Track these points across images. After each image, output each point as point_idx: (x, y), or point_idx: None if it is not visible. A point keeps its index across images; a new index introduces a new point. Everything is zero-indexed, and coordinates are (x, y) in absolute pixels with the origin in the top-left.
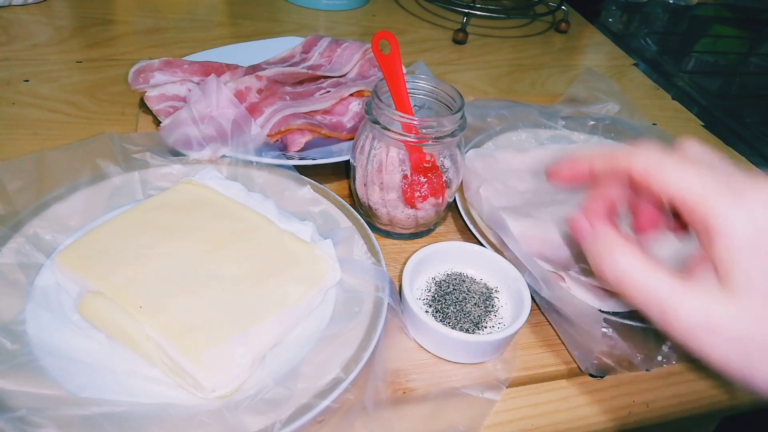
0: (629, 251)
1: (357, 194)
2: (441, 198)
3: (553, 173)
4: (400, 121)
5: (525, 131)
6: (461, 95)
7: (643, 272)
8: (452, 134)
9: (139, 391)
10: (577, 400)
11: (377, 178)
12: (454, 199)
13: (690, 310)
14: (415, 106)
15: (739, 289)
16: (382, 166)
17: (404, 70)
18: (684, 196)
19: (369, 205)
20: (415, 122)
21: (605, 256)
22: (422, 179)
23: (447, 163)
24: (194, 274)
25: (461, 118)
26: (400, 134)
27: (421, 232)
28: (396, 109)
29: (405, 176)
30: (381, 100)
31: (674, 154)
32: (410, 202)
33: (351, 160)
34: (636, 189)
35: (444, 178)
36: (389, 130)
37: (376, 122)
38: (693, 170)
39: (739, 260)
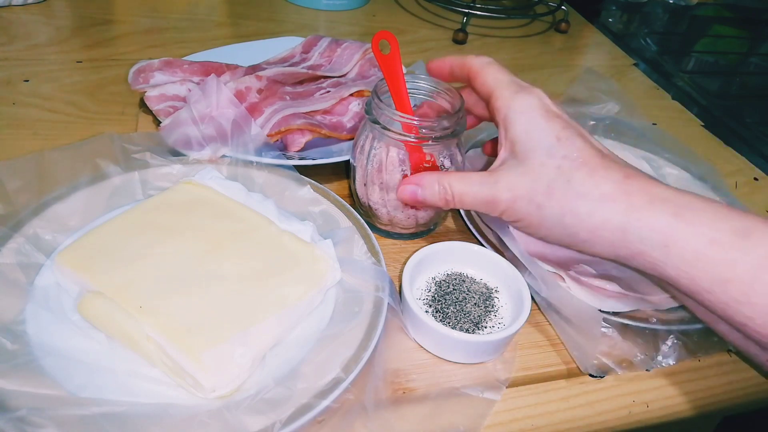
0: (447, 175)
1: (357, 194)
2: None
3: (428, 67)
4: (400, 121)
5: None
6: (461, 95)
7: (464, 183)
8: (452, 134)
9: (139, 391)
10: (577, 401)
11: (377, 178)
12: None
13: (501, 191)
14: (414, 106)
15: (524, 158)
16: (382, 166)
17: (404, 70)
18: (493, 88)
19: (369, 205)
20: (415, 122)
21: (439, 190)
22: None
23: (447, 163)
24: (194, 274)
25: (461, 117)
26: (400, 134)
27: (420, 232)
28: (396, 110)
29: (405, 176)
30: (381, 100)
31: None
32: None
33: (351, 160)
34: (471, 85)
35: None
36: (389, 130)
37: (376, 122)
38: (504, 74)
39: (521, 136)
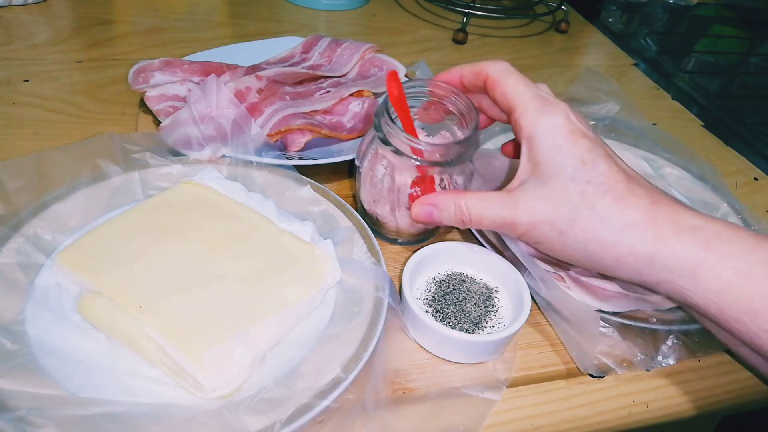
0: (463, 196)
1: (364, 206)
2: None
3: (434, 79)
4: (414, 147)
5: None
6: (476, 108)
7: (482, 205)
8: (467, 156)
9: (139, 391)
10: (577, 401)
11: (388, 197)
12: None
13: (521, 214)
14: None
15: (547, 180)
16: (394, 187)
17: (406, 70)
18: (517, 103)
19: (376, 218)
20: (427, 148)
21: (455, 211)
22: None
23: (460, 180)
24: (194, 274)
25: (476, 137)
26: (414, 158)
27: (426, 236)
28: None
29: (417, 195)
30: (393, 121)
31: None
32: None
33: (356, 172)
34: (490, 95)
35: None
36: (403, 154)
37: (387, 143)
38: (525, 85)
39: (545, 158)
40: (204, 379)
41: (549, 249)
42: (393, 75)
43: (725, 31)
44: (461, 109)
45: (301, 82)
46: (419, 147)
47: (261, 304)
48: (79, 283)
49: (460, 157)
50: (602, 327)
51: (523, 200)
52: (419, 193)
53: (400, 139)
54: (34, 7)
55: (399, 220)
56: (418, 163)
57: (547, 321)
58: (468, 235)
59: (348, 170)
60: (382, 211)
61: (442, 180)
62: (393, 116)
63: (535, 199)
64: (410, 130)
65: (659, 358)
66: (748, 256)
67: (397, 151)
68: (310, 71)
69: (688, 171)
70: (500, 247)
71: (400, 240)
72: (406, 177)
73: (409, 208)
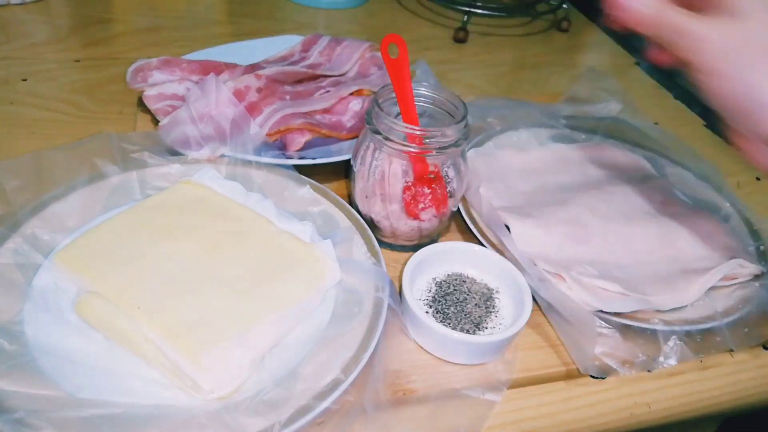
0: None
1: (358, 207)
2: (444, 208)
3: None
4: (402, 131)
5: (526, 131)
6: (464, 103)
7: (660, 7)
8: (456, 144)
9: (137, 392)
10: (579, 402)
11: (378, 189)
12: None
13: (712, 39)
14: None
15: (744, 16)
16: (384, 177)
17: None
18: None
19: (371, 217)
20: (418, 132)
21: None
22: (426, 190)
23: (451, 172)
24: (193, 274)
25: (465, 126)
26: (403, 144)
27: (424, 244)
28: (402, 116)
29: (407, 187)
30: (381, 109)
31: None
32: (412, 214)
33: (351, 171)
34: None
35: (447, 188)
36: (391, 140)
37: (376, 132)
38: None
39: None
40: (202, 381)
41: (718, 84)
42: (390, 39)
43: None
44: (448, 104)
45: (300, 81)
46: (408, 131)
47: (260, 305)
48: (77, 283)
49: (450, 144)
50: (603, 328)
51: (717, 23)
52: (411, 183)
53: (388, 124)
54: (33, 6)
55: (391, 217)
56: (406, 149)
57: (548, 322)
58: (469, 236)
59: (347, 170)
60: (375, 207)
61: (434, 167)
62: (382, 104)
63: (729, 26)
64: (409, 110)
65: (661, 358)
66: None
67: (386, 138)
68: (309, 70)
69: (690, 170)
70: (500, 248)
71: (397, 246)
72: (396, 166)
73: (404, 202)
